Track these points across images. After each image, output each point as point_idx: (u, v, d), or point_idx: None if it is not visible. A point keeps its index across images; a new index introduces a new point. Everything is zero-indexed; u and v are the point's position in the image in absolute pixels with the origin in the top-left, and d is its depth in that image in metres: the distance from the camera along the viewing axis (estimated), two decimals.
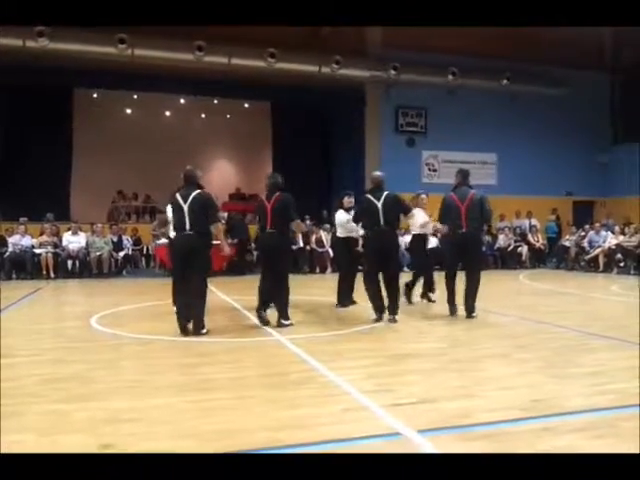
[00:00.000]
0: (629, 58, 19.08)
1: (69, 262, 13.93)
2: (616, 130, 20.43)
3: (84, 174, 18.70)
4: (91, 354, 5.29)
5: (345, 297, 8.24)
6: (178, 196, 6.35)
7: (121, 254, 14.48)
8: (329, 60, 16.47)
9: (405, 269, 15.31)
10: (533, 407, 3.63)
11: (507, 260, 16.60)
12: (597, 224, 16.21)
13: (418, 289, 8.70)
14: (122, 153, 19.30)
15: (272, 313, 6.78)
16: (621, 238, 15.06)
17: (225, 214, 11.73)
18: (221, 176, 21.36)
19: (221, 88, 17.77)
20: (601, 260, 14.98)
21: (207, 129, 21.02)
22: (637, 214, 16.73)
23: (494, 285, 12.67)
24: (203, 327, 6.16)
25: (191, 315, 6.16)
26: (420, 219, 8.44)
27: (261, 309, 6.76)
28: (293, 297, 7.92)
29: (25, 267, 13.47)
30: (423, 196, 8.86)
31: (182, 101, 20.19)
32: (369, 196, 7.19)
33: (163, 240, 10.54)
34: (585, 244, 15.74)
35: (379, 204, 7.03)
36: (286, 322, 6.62)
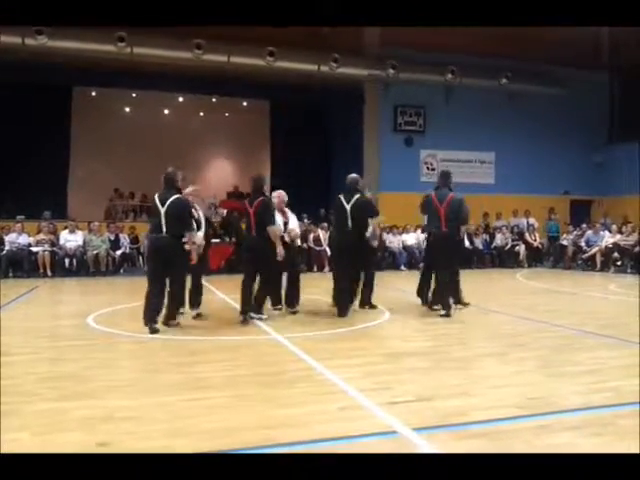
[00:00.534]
0: (627, 58, 19.08)
1: (66, 260, 13.89)
2: (614, 129, 20.44)
3: (82, 172, 18.68)
4: (88, 353, 5.29)
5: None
6: (156, 199, 6.48)
7: (118, 253, 14.45)
8: (328, 59, 16.45)
9: (402, 267, 15.40)
10: (530, 405, 3.63)
11: (504, 259, 16.62)
12: (597, 224, 16.20)
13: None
14: (120, 151, 19.27)
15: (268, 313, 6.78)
16: (618, 237, 15.08)
17: (224, 211, 11.68)
18: (219, 174, 21.34)
19: (220, 86, 17.74)
20: (598, 259, 15.00)
21: (206, 127, 20.99)
22: (634, 213, 16.75)
23: (491, 284, 12.69)
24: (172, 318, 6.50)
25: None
26: None
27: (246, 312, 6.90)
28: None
29: (22, 265, 13.44)
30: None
31: (181, 99, 20.16)
32: (341, 197, 7.54)
33: None
34: (582, 243, 15.76)
35: (348, 206, 7.39)
36: (255, 316, 6.88)
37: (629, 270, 14.21)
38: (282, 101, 19.11)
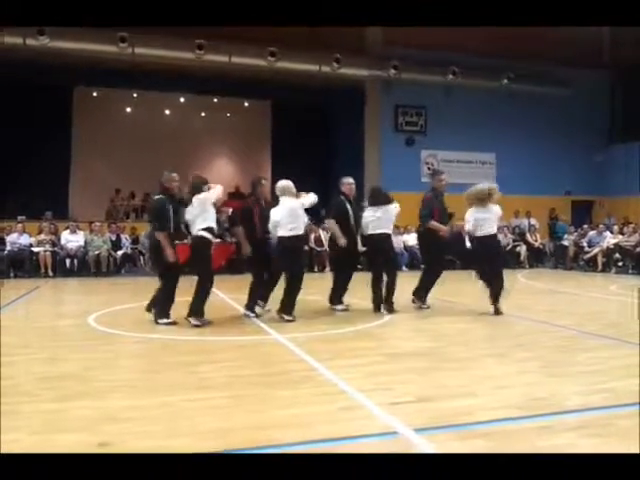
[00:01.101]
0: (628, 58, 19.07)
1: (67, 261, 13.91)
2: (615, 129, 20.43)
3: (83, 172, 18.71)
4: (88, 353, 5.29)
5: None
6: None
7: (119, 253, 14.46)
8: (329, 59, 16.46)
9: (404, 268, 15.37)
10: (531, 406, 3.63)
11: (506, 259, 16.56)
12: (601, 225, 16.17)
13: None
14: (122, 151, 19.30)
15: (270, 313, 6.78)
16: (620, 238, 15.07)
17: (230, 210, 11.60)
18: (221, 175, 21.31)
19: (221, 87, 17.78)
20: (599, 260, 14.99)
21: (207, 128, 21.02)
22: (636, 213, 16.74)
23: None
24: (162, 318, 6.62)
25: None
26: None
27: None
28: None
29: (23, 265, 13.47)
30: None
31: (182, 99, 20.19)
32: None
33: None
34: (584, 243, 15.74)
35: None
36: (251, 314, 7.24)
37: (630, 271, 14.21)
38: (283, 101, 19.14)
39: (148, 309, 6.99)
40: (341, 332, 6.34)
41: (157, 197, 6.88)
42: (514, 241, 16.90)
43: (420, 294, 8.02)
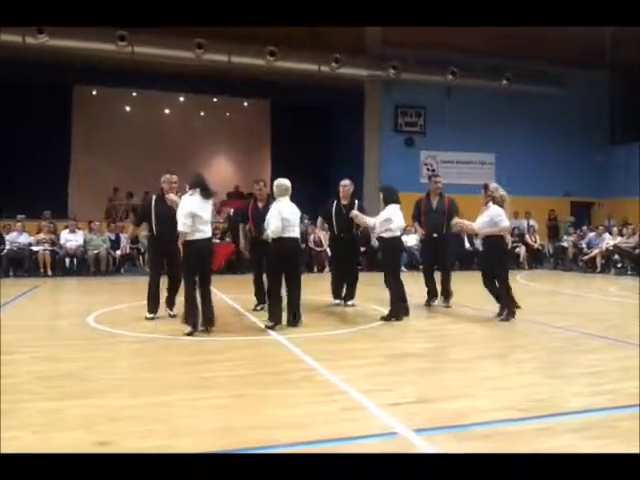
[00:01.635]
0: (628, 57, 19.06)
1: (67, 260, 13.89)
2: (615, 130, 20.43)
3: (83, 171, 18.68)
4: (88, 352, 5.28)
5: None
6: None
7: (119, 252, 14.45)
8: (329, 59, 16.45)
9: (403, 268, 15.37)
10: (530, 407, 3.62)
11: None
12: (600, 227, 16.16)
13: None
14: (121, 151, 19.27)
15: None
16: (619, 239, 15.08)
17: (231, 210, 11.57)
18: (220, 174, 21.31)
19: (221, 86, 17.76)
20: (599, 261, 14.99)
21: (206, 127, 20.99)
22: (635, 215, 16.73)
23: None
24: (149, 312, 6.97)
25: None
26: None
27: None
28: None
29: (23, 265, 13.45)
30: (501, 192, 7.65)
31: (181, 99, 20.17)
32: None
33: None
34: (583, 245, 15.75)
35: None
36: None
37: (629, 272, 14.21)
38: (283, 101, 19.14)
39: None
40: (341, 333, 6.33)
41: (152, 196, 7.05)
42: (513, 242, 16.88)
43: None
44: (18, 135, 16.72)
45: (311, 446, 2.98)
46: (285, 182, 6.83)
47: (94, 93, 19.07)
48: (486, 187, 7.48)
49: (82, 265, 13.87)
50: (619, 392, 3.97)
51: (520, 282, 12.93)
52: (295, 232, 6.68)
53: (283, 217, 6.50)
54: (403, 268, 15.24)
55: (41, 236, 13.80)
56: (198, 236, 6.08)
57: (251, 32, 12.94)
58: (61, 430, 3.21)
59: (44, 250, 13.45)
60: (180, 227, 6.04)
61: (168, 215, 6.66)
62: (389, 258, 7.31)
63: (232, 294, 9.19)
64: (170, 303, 7.23)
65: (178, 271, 6.69)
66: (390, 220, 7.06)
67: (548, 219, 18.91)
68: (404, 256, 15.69)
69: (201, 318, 6.10)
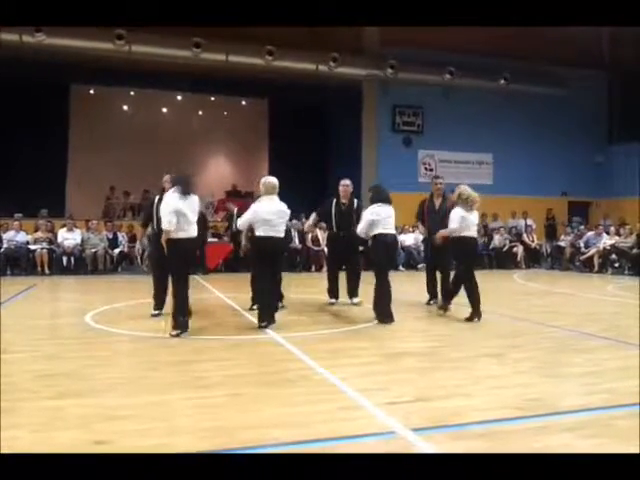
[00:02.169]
0: (627, 58, 19.09)
1: (64, 258, 13.88)
2: (613, 130, 20.46)
3: (80, 170, 18.63)
4: (85, 351, 5.28)
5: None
6: None
7: (116, 251, 14.44)
8: (327, 58, 16.46)
9: (401, 268, 15.39)
10: (527, 406, 3.63)
11: (502, 260, 16.62)
12: (600, 227, 16.19)
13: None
14: (118, 149, 19.22)
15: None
16: (616, 239, 15.11)
17: (235, 209, 11.55)
18: (218, 173, 21.32)
19: (218, 85, 17.76)
20: (596, 261, 15.02)
21: (204, 126, 20.96)
22: (633, 215, 16.77)
23: (489, 285, 12.68)
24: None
25: None
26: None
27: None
28: (289, 295, 7.97)
29: (20, 263, 13.43)
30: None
31: (179, 98, 20.15)
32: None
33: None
34: (581, 244, 15.77)
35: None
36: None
37: (627, 272, 14.25)
38: (281, 100, 19.12)
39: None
40: (338, 332, 6.34)
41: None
42: (511, 242, 16.92)
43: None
44: (15, 134, 16.70)
45: (308, 445, 2.99)
46: (271, 180, 6.71)
47: (91, 92, 19.04)
48: (453, 191, 7.57)
49: (79, 264, 13.86)
50: (615, 391, 3.99)
51: (517, 281, 12.96)
52: (275, 231, 6.52)
53: (261, 217, 6.45)
54: (401, 267, 15.37)
55: (38, 234, 13.79)
56: (182, 235, 6.05)
57: (249, 31, 12.93)
58: (59, 429, 3.21)
59: (41, 249, 13.44)
60: (164, 225, 6.00)
61: None
62: (373, 257, 7.35)
63: (231, 293, 9.20)
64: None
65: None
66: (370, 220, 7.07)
67: (546, 219, 18.95)
68: (401, 255, 15.75)
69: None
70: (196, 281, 10.21)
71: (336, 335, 6.17)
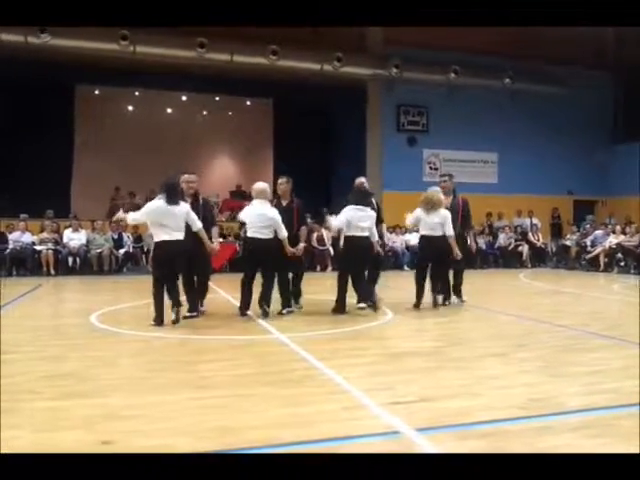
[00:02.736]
0: (630, 57, 19.03)
1: (69, 259, 13.94)
2: (617, 129, 20.39)
3: (85, 171, 18.67)
4: (90, 351, 5.29)
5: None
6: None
7: (121, 251, 14.48)
8: (331, 58, 16.45)
9: (405, 267, 15.39)
10: (532, 406, 3.63)
11: (508, 259, 16.59)
12: (609, 225, 16.12)
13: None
14: (123, 150, 19.26)
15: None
16: (622, 238, 15.06)
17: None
18: (222, 173, 21.34)
19: (223, 85, 17.75)
20: (602, 260, 14.98)
21: (209, 126, 20.99)
22: (638, 214, 16.71)
23: (494, 284, 12.67)
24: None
25: None
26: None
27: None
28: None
29: (25, 264, 13.49)
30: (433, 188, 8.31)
31: (184, 98, 20.17)
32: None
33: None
34: (588, 243, 15.72)
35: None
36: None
37: (632, 271, 14.19)
38: (285, 100, 19.11)
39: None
40: (342, 331, 6.34)
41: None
42: (516, 241, 16.89)
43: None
44: (20, 134, 16.73)
45: (313, 445, 2.99)
46: (258, 185, 7.15)
47: (96, 92, 19.08)
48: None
49: (85, 264, 13.91)
50: (620, 391, 3.97)
51: (523, 280, 12.93)
52: (260, 233, 6.94)
53: (246, 219, 7.07)
54: (405, 267, 15.36)
55: (44, 235, 13.84)
56: (165, 237, 6.34)
57: (253, 31, 12.93)
58: (62, 429, 3.22)
59: (47, 249, 13.49)
60: (129, 216, 6.72)
61: None
62: (340, 257, 7.71)
63: (236, 294, 9.18)
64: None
65: (194, 269, 7.05)
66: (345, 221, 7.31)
67: (551, 217, 18.89)
68: (406, 255, 15.74)
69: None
70: None
71: (340, 335, 6.17)
